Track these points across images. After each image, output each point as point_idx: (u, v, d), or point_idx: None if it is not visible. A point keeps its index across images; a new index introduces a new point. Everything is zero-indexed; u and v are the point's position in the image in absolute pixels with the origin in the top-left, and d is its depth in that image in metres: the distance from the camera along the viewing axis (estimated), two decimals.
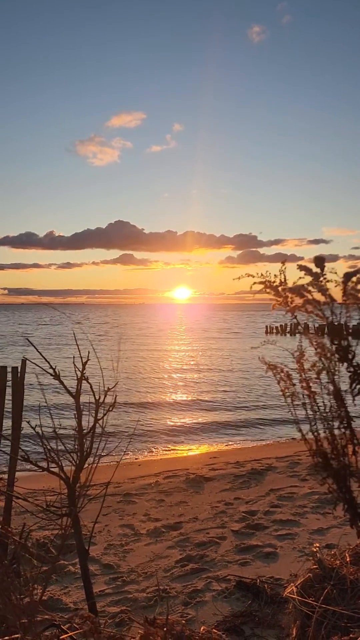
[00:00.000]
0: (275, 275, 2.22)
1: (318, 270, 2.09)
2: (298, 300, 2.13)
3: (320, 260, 2.08)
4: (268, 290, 2.24)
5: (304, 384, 2.24)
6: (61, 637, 2.16)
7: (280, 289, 2.21)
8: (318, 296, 2.12)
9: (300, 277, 2.17)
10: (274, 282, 2.22)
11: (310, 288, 2.12)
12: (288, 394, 2.30)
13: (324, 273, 2.08)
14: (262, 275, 2.23)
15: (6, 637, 1.85)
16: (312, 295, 2.13)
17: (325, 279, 2.08)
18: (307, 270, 2.11)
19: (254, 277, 2.24)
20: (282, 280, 2.20)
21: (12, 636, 1.87)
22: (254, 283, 2.24)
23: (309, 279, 2.12)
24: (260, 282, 2.23)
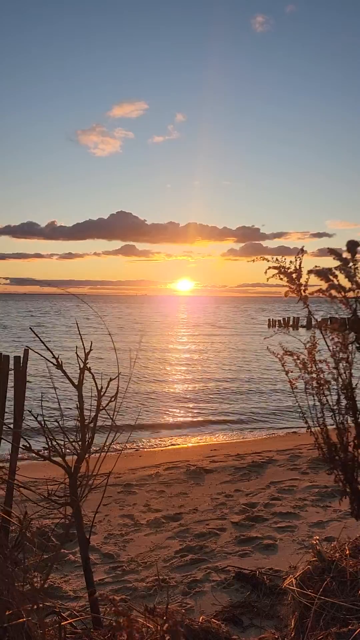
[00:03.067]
0: (290, 261, 2.20)
1: (349, 255, 2.05)
2: (312, 288, 2.11)
3: (353, 245, 2.03)
4: (281, 276, 2.22)
5: (315, 375, 2.22)
6: (62, 623, 2.19)
7: (294, 276, 2.18)
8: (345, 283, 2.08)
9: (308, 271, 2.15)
10: (289, 268, 2.20)
11: (337, 273, 2.08)
12: (297, 383, 2.29)
13: (355, 259, 2.04)
14: (276, 259, 2.20)
15: (12, 622, 1.88)
16: (337, 280, 2.08)
17: (355, 265, 2.03)
18: (336, 255, 2.07)
19: (268, 260, 2.22)
20: (298, 267, 2.18)
21: (18, 620, 1.90)
22: (269, 268, 2.22)
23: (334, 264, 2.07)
24: (274, 267, 2.21)
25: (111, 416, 2.92)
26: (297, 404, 2.32)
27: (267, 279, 2.22)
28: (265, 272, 2.23)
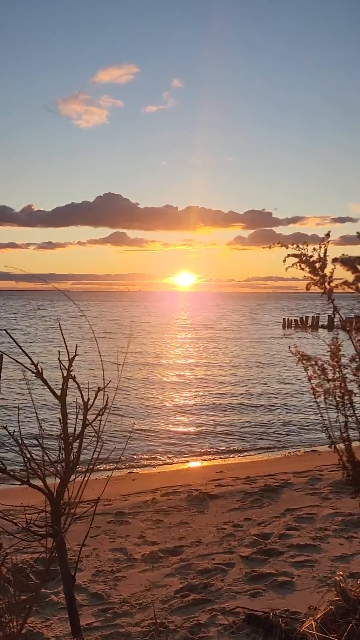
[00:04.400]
0: (313, 248, 2.19)
1: None
2: (336, 281, 2.10)
3: None
4: (303, 266, 2.21)
5: (339, 383, 2.21)
6: None
7: (317, 265, 2.18)
8: None
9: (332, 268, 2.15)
10: (311, 257, 2.20)
11: None
12: (319, 392, 2.28)
13: None
14: (297, 246, 2.20)
15: None
16: None
17: None
18: None
19: (287, 247, 2.22)
20: (322, 255, 2.17)
21: None
22: (288, 256, 2.22)
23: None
24: (294, 255, 2.21)
25: (99, 433, 2.95)
26: (318, 414, 2.31)
27: (286, 268, 2.21)
28: (284, 261, 2.23)
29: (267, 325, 57.09)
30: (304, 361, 2.33)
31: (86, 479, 2.97)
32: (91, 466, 2.97)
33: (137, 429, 13.13)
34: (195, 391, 18.85)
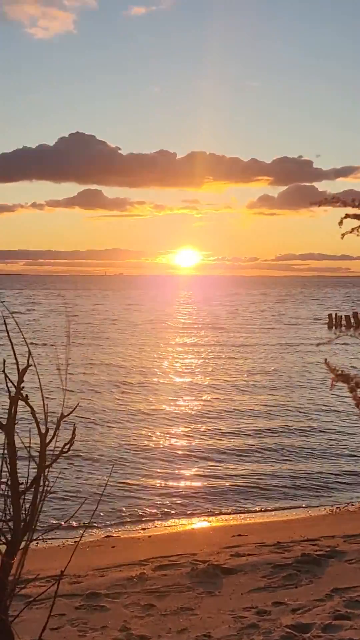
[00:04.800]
0: None
1: None
2: None
3: None
4: None
5: None
6: None
7: None
8: None
9: None
10: None
11: None
12: None
13: None
14: None
15: None
16: None
17: None
18: None
19: (344, 204, 2.19)
20: None
21: None
22: (346, 216, 2.20)
23: None
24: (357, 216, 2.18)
25: (46, 485, 3.04)
26: None
27: (342, 235, 2.19)
28: (340, 223, 2.20)
29: (304, 324, 56.61)
30: (342, 382, 2.31)
31: (44, 545, 2.98)
32: (52, 526, 2.98)
33: (118, 478, 13.11)
34: (199, 424, 18.75)
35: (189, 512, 11.47)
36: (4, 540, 3.00)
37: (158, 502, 11.91)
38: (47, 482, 3.14)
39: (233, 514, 11.42)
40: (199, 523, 10.87)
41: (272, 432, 17.65)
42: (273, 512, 11.44)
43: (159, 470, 14.21)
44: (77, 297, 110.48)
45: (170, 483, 13.27)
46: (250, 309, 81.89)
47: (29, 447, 3.20)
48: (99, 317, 64.91)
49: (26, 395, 3.18)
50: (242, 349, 37.99)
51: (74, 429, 3.15)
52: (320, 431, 17.81)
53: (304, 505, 11.96)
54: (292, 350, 37.52)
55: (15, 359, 3.11)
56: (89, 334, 44.76)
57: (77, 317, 61.25)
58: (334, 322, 50.98)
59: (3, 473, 3.06)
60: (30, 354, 3.25)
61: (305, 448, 16.10)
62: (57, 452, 3.11)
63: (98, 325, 54.13)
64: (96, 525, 10.33)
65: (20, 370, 3.17)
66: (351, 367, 28.76)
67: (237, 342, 42.23)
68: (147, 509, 11.49)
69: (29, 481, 3.14)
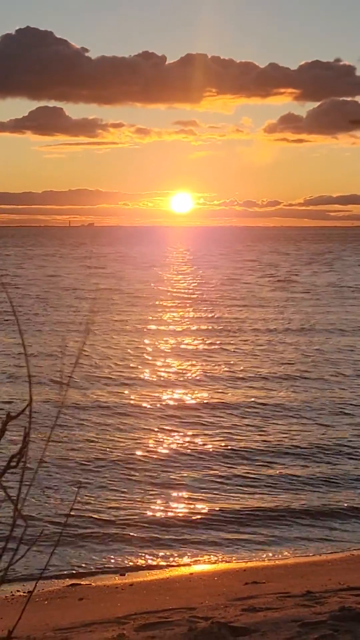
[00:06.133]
0: None
1: None
2: None
3: None
4: None
5: None
6: None
7: None
8: None
9: None
10: None
11: None
12: None
13: None
14: None
15: None
16: None
17: None
18: None
19: None
20: None
21: None
22: None
23: None
24: None
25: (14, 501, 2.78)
26: None
27: None
28: None
29: (344, 294, 47.72)
30: None
31: None
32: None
33: (87, 501, 12.12)
34: (196, 433, 16.95)
35: (184, 549, 10.62)
36: None
37: (142, 535, 11.03)
38: None
39: (246, 551, 10.57)
40: (200, 565, 10.12)
41: (295, 446, 15.80)
42: (300, 550, 10.58)
43: (144, 489, 13.11)
44: (28, 258, 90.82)
45: (159, 507, 12.29)
46: (268, 272, 67.75)
47: None
48: (49, 284, 54.39)
49: None
50: (254, 332, 31.63)
51: (26, 435, 2.85)
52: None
53: (343, 541, 11.11)
54: (325, 333, 31.71)
55: None
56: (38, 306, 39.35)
57: (19, 289, 49.95)
58: None
59: None
60: None
61: (335, 464, 14.64)
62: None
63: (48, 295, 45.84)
64: (59, 568, 9.70)
65: None
66: None
67: (249, 319, 35.57)
68: (127, 546, 10.65)
69: None
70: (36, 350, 26.36)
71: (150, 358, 26.07)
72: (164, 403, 19.59)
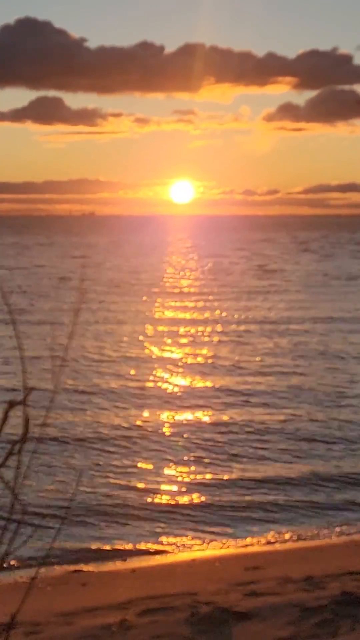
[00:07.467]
0: None
1: None
2: None
3: None
4: None
5: None
6: None
7: None
8: None
9: None
10: None
11: None
12: None
13: None
14: None
15: None
16: None
17: None
18: None
19: None
20: None
21: None
22: None
23: None
24: None
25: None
26: None
27: None
28: None
29: (347, 285, 47.07)
30: None
31: None
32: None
33: (90, 485, 12.27)
34: (197, 408, 17.43)
35: (187, 534, 10.59)
36: None
37: (145, 521, 11.06)
38: None
39: (247, 537, 10.50)
40: (200, 551, 10.05)
41: (295, 428, 15.97)
42: (301, 535, 10.54)
43: (144, 474, 13.19)
44: (26, 248, 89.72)
45: (161, 493, 12.30)
46: (270, 261, 67.96)
47: None
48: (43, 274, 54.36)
49: None
50: (255, 330, 30.84)
51: (27, 422, 2.81)
52: None
53: (344, 525, 11.05)
54: (328, 327, 31.06)
55: None
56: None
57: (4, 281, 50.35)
58: None
59: None
60: None
61: (339, 439, 14.85)
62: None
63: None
64: (60, 554, 9.70)
65: None
66: None
67: (251, 308, 35.90)
68: (129, 531, 10.68)
69: None
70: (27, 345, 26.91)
71: (140, 342, 26.85)
72: (162, 387, 19.90)
